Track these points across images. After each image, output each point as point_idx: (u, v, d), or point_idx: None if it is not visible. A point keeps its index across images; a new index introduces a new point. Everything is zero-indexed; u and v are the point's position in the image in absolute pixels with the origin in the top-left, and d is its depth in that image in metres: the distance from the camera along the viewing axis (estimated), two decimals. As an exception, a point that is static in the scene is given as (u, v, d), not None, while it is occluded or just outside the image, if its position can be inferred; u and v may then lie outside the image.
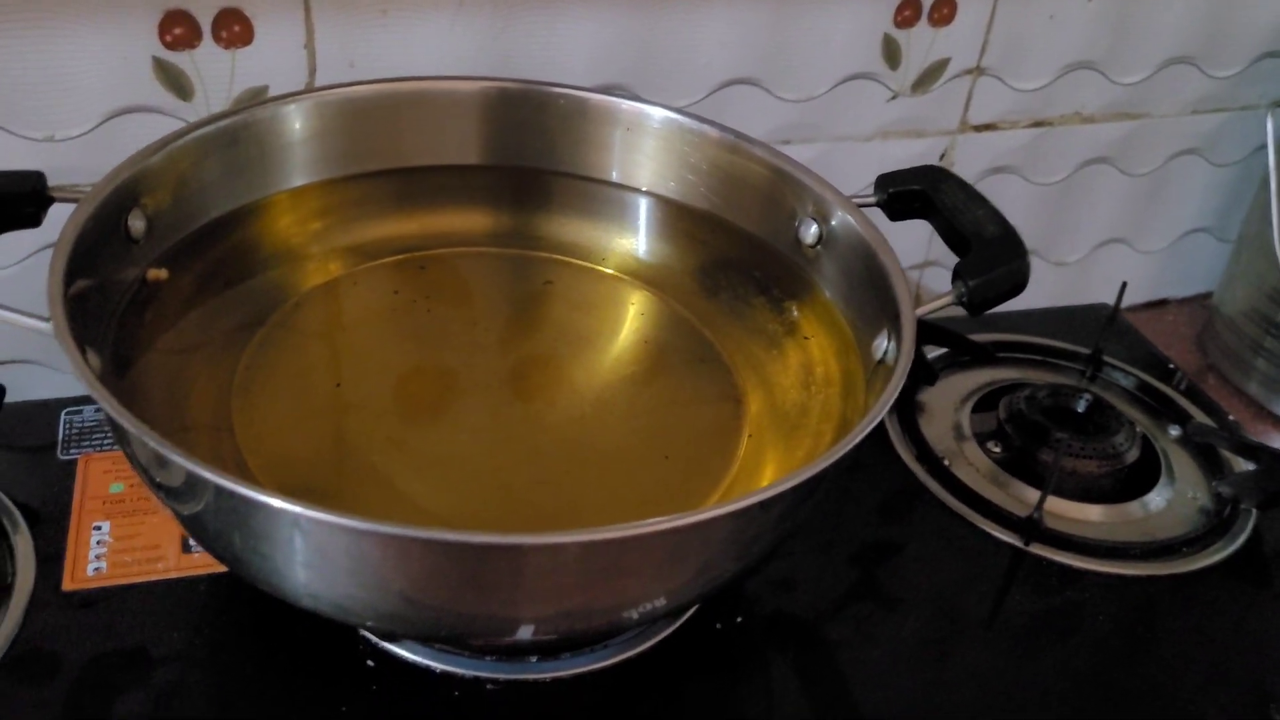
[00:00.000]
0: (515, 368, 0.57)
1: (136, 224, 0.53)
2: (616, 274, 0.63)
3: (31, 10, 0.57)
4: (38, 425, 0.63)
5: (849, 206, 0.56)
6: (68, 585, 0.54)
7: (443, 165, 0.64)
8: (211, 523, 0.42)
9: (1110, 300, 0.79)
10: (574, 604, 0.42)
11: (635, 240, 0.65)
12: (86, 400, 0.65)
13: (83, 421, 0.64)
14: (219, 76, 0.62)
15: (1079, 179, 0.86)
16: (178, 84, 0.62)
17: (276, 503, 0.37)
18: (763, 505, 0.41)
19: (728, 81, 0.72)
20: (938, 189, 0.56)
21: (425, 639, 0.51)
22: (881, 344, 0.52)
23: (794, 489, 0.42)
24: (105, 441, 0.62)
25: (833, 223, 0.57)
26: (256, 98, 0.63)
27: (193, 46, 0.61)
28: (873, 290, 0.53)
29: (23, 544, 0.55)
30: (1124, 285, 0.77)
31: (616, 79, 0.70)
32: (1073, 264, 0.92)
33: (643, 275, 0.63)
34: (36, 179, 0.51)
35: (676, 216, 0.64)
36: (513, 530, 0.46)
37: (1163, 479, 0.68)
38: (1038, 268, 0.89)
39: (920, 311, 0.50)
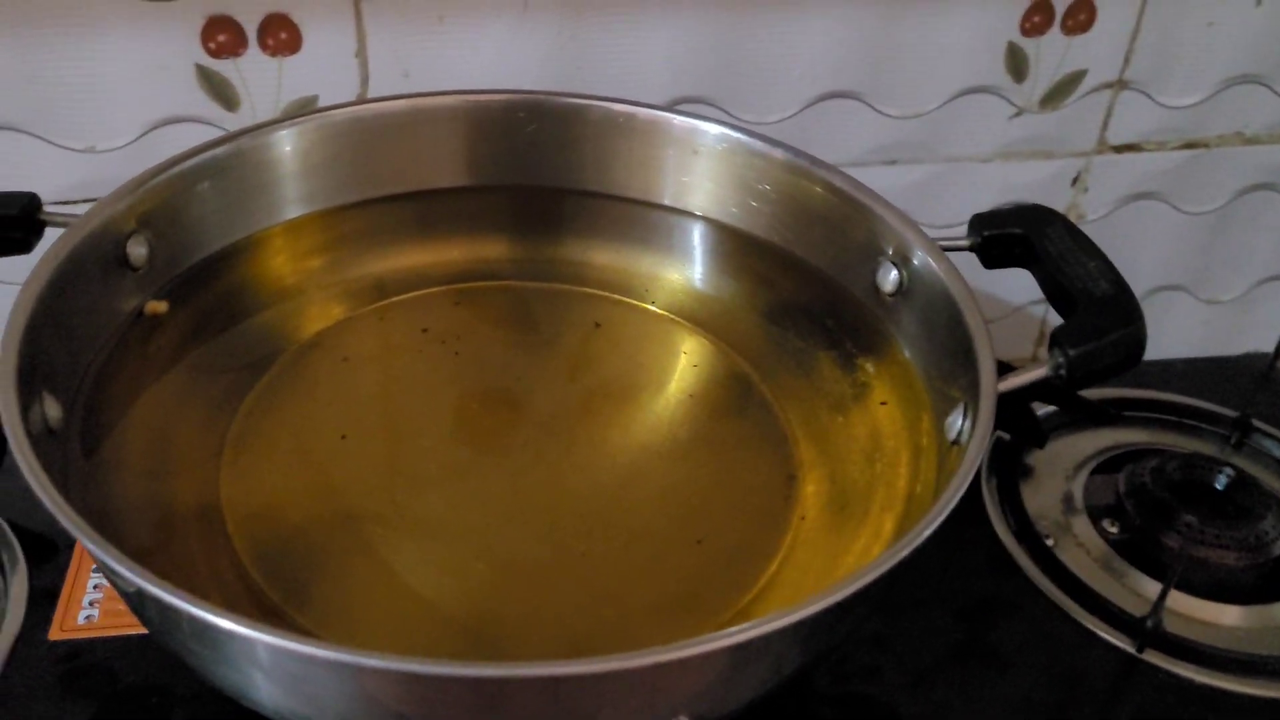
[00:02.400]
0: (545, 425, 0.51)
1: (138, 251, 0.49)
2: (669, 315, 0.56)
3: (70, 16, 0.55)
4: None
5: (934, 251, 0.48)
6: (54, 634, 0.51)
7: (475, 186, 0.59)
8: (153, 619, 0.37)
9: (1268, 347, 0.69)
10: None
11: (691, 272, 0.58)
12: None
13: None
14: (266, 86, 0.59)
15: (1238, 207, 0.76)
16: (223, 93, 0.59)
17: (223, 623, 0.32)
18: (784, 631, 0.34)
19: (825, 95, 0.65)
20: (1042, 234, 0.48)
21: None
22: (956, 421, 0.44)
23: (826, 610, 0.35)
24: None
25: (915, 266, 0.49)
26: (306, 108, 0.60)
27: (237, 54, 0.58)
28: (954, 354, 0.45)
29: (18, 584, 0.52)
30: (1285, 335, 0.67)
31: (698, 91, 0.63)
32: (1228, 303, 0.81)
33: (698, 317, 0.56)
34: (27, 200, 0.48)
35: (737, 248, 0.57)
36: (508, 629, 0.42)
37: (1318, 576, 0.58)
38: (1185, 307, 0.79)
39: (1003, 387, 0.42)
